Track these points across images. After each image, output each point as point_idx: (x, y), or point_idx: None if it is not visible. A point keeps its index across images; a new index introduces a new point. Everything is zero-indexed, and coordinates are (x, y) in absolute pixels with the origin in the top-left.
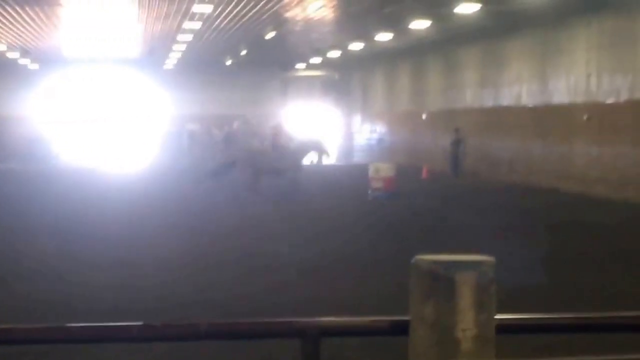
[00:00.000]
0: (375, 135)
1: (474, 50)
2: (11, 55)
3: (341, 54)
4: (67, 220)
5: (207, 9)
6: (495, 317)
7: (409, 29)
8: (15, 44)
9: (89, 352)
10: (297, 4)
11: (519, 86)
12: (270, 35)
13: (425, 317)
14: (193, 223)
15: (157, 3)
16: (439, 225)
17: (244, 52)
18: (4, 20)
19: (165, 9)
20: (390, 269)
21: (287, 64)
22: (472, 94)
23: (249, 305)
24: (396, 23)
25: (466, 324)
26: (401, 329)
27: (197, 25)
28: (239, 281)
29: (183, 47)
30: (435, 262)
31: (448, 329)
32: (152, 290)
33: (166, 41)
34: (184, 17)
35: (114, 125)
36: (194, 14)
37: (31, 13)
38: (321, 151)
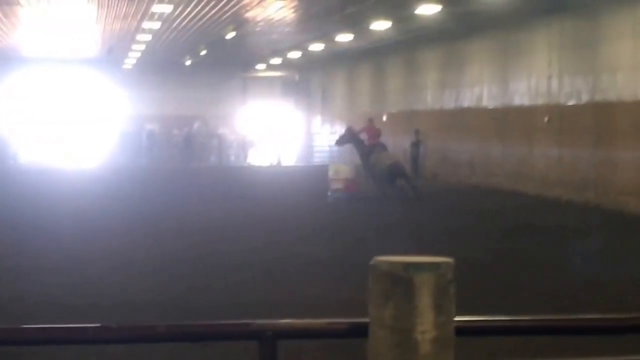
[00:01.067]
0: (335, 137)
1: (434, 52)
2: None
3: (301, 55)
4: (23, 217)
5: (167, 9)
6: (455, 319)
7: (370, 29)
8: None
9: (44, 354)
10: (258, 4)
11: (479, 88)
12: (230, 35)
13: (384, 319)
14: (154, 223)
15: (116, 3)
16: (398, 227)
17: (203, 52)
18: None
19: (124, 9)
20: (348, 270)
21: (247, 65)
22: (432, 96)
23: (206, 304)
24: (357, 24)
25: (425, 326)
26: (360, 331)
27: (156, 25)
28: (190, 281)
29: (142, 46)
30: (394, 264)
31: (407, 331)
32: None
33: (125, 41)
34: (143, 17)
35: (72, 125)
36: (153, 14)
37: None
38: None
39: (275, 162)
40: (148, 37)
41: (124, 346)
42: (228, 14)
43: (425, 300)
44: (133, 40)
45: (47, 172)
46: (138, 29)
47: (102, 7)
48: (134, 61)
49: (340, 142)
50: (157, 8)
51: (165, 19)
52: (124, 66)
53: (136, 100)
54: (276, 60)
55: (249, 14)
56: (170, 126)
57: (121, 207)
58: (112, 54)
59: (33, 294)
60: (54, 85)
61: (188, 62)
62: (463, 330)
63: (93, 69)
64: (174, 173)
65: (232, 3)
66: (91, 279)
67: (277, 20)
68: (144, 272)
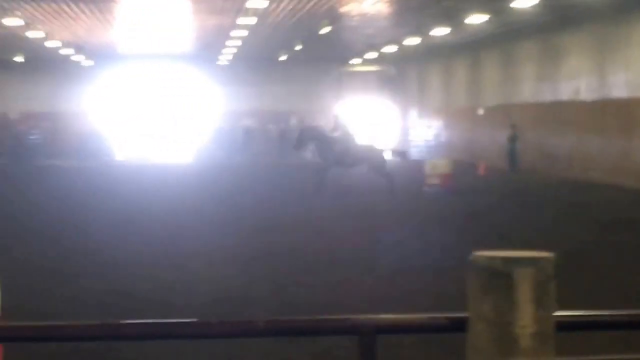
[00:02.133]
0: (431, 131)
1: (531, 45)
2: (65, 51)
3: (397, 49)
4: (122, 214)
5: (262, 4)
6: (555, 313)
7: (466, 23)
8: (69, 41)
9: (141, 350)
10: None
11: (577, 80)
12: (325, 30)
13: (483, 314)
14: (250, 218)
15: None
16: (496, 222)
17: (299, 48)
18: (59, 17)
19: (220, 4)
20: (445, 265)
21: (342, 59)
22: (529, 89)
23: (305, 299)
24: (453, 17)
25: (525, 321)
26: (459, 326)
27: (252, 20)
28: (290, 275)
29: (237, 42)
30: (493, 258)
31: (507, 326)
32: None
33: (220, 37)
34: (238, 12)
35: (168, 121)
36: (248, 9)
37: (85, 9)
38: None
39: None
40: (243, 33)
41: (222, 341)
42: (323, 8)
43: (524, 295)
44: (228, 36)
45: (143, 168)
46: (233, 25)
47: (197, 2)
48: (230, 57)
49: (298, 145)
50: (252, 3)
51: (260, 14)
52: (219, 62)
53: (232, 96)
54: (372, 55)
55: (344, 8)
56: (266, 122)
57: (217, 202)
58: (208, 50)
59: (131, 289)
60: (149, 82)
61: (283, 58)
62: (563, 325)
63: (188, 64)
64: (269, 168)
65: None
66: (188, 274)
67: (373, 15)
68: (241, 266)
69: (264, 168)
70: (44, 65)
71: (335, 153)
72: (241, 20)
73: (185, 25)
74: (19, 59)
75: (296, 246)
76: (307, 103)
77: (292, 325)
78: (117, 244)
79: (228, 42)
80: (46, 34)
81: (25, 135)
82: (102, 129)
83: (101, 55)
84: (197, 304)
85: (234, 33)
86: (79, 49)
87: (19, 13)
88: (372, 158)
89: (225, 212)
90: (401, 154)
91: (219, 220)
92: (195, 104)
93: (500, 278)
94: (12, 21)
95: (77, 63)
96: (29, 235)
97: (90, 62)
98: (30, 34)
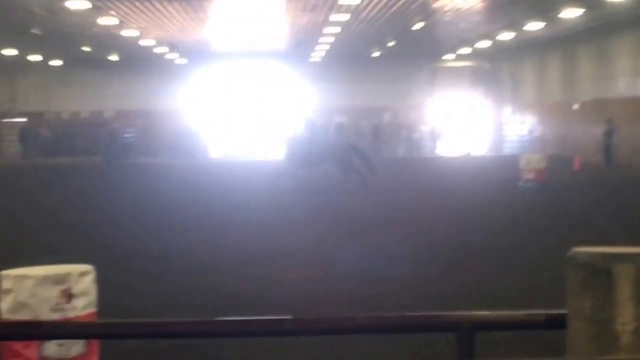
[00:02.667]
0: (525, 126)
1: (627, 39)
2: (159, 50)
3: (490, 44)
4: (217, 212)
5: (355, 0)
6: None
7: (560, 17)
8: (163, 39)
9: (237, 346)
10: None
11: None
12: (418, 25)
13: (582, 311)
14: (345, 213)
15: None
16: (593, 217)
17: (391, 44)
18: (152, 16)
19: (312, 2)
20: (544, 261)
21: (435, 55)
22: (625, 84)
23: (401, 296)
24: (547, 12)
25: (625, 318)
26: (557, 323)
27: (344, 17)
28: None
29: (330, 39)
30: (593, 255)
31: (606, 323)
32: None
33: (313, 34)
34: (331, 9)
35: (260, 117)
36: (341, 6)
37: (179, 8)
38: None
39: (465, 153)
40: (336, 30)
41: (317, 337)
42: (416, 4)
43: (625, 292)
44: (320, 33)
45: (237, 166)
46: (325, 22)
47: (290, 0)
48: (322, 54)
49: None
50: (345, 0)
51: (353, 11)
52: (311, 59)
53: (324, 92)
54: (465, 50)
55: (437, 4)
56: (359, 118)
57: (311, 198)
58: (300, 47)
59: (228, 287)
60: (242, 80)
61: (376, 54)
62: None
63: (281, 62)
64: None
65: None
66: (285, 271)
67: (466, 10)
68: (339, 263)
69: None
70: (138, 63)
71: (301, 154)
72: (334, 17)
73: (278, 23)
74: (113, 57)
75: (389, 240)
76: (399, 99)
77: (389, 322)
78: (212, 241)
79: (321, 39)
80: (140, 32)
81: (120, 133)
82: (196, 126)
83: (195, 53)
84: (293, 302)
85: (327, 30)
86: (173, 47)
87: (113, 12)
88: (336, 155)
89: (320, 209)
90: (364, 158)
91: (314, 217)
92: (287, 101)
93: (599, 274)
94: (107, 20)
95: (171, 61)
96: (125, 233)
97: (183, 60)
98: (125, 33)
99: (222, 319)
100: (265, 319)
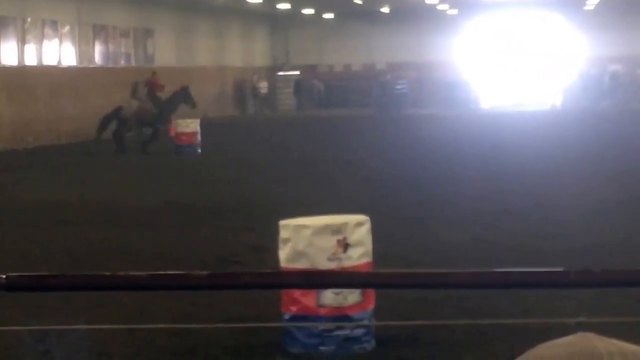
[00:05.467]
0: None
1: None
2: (431, 1)
3: None
4: (488, 163)
5: None
6: None
7: None
8: None
9: (509, 300)
10: None
11: None
12: None
13: None
14: (613, 164)
15: None
16: None
17: None
18: None
19: None
20: None
21: None
22: None
23: None
24: None
25: None
26: None
27: None
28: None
29: None
30: None
31: None
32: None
33: None
34: None
35: (531, 67)
36: None
37: None
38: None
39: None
40: None
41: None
42: None
43: None
44: None
45: (509, 116)
46: None
47: None
48: (596, 1)
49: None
50: None
51: None
52: (586, 7)
53: (597, 41)
54: None
55: None
56: (635, 66)
57: (584, 148)
58: None
59: (493, 239)
60: (514, 29)
61: None
62: None
63: (552, 11)
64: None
65: None
66: (557, 222)
67: None
68: (606, 212)
69: (632, 114)
70: (409, 15)
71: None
72: None
73: None
74: (384, 9)
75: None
76: None
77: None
78: (480, 194)
79: None
80: None
81: (392, 85)
82: (468, 77)
83: (465, 3)
84: (564, 250)
85: None
86: None
87: None
88: (141, 117)
89: (589, 159)
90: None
91: (586, 167)
92: (560, 50)
93: None
94: None
95: (442, 12)
96: (396, 184)
97: (454, 11)
98: None
99: (498, 270)
100: (546, 271)
